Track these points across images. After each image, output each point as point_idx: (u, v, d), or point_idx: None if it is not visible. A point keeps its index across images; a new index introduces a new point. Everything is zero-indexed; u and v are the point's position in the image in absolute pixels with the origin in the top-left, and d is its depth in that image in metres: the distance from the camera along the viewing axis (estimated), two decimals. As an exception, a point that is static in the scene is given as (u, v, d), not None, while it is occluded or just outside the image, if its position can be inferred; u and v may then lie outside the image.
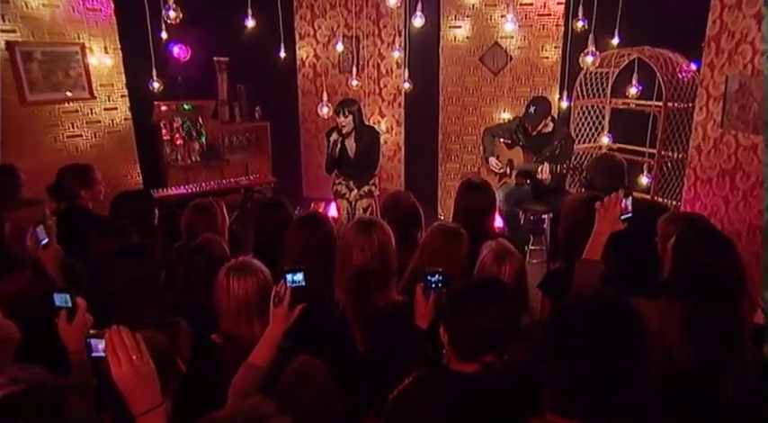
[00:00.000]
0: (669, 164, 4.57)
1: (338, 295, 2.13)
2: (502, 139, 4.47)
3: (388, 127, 6.00)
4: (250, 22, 4.45)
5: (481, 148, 4.71)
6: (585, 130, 5.19)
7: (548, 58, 5.36)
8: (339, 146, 4.46)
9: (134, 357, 1.22)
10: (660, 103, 4.43)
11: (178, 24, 4.19)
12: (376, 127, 5.96)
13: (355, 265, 2.06)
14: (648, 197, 4.52)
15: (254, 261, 1.99)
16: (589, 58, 3.95)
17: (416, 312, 1.93)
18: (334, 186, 4.70)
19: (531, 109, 4.18)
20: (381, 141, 6.00)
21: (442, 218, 5.98)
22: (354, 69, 4.98)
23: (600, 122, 5.19)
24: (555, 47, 5.29)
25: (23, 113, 4.31)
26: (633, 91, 4.65)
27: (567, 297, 1.76)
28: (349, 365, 2.08)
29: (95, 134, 4.81)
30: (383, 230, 2.13)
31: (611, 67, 4.97)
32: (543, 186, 4.04)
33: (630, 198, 2.10)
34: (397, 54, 4.93)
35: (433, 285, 1.92)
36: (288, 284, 1.74)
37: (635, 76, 4.58)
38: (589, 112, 5.19)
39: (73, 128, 4.66)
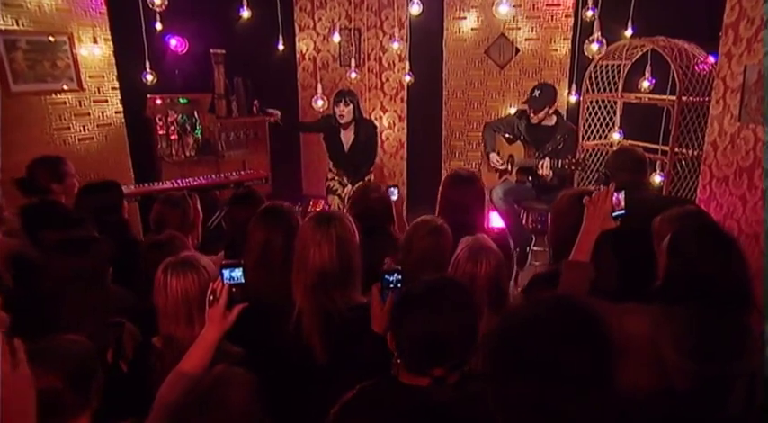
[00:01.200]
0: (683, 161, 4.29)
1: (296, 297, 1.92)
2: (506, 135, 4.23)
3: (390, 123, 5.78)
4: (245, 13, 4.28)
5: (482, 144, 4.48)
6: (595, 125, 4.92)
7: (557, 50, 5.10)
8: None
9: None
10: (674, 98, 4.16)
11: (165, 10, 4.06)
12: (376, 122, 5.78)
13: (312, 264, 1.86)
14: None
15: (200, 257, 1.80)
16: (594, 46, 3.72)
17: (372, 316, 1.72)
18: (326, 182, 4.52)
19: (536, 92, 3.95)
20: (383, 137, 5.83)
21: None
22: (353, 61, 4.79)
23: (611, 118, 4.92)
24: (564, 39, 5.04)
25: (7, 105, 4.18)
26: (646, 84, 4.39)
27: (515, 304, 1.53)
28: (306, 375, 1.88)
29: (84, 127, 4.67)
30: (343, 225, 1.92)
31: (622, 60, 4.69)
32: (546, 183, 3.79)
33: (623, 193, 1.87)
34: (396, 45, 4.72)
35: (392, 286, 1.71)
36: (225, 281, 1.55)
37: (648, 68, 4.34)
38: (599, 108, 4.92)
39: (60, 120, 4.52)
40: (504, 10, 2.73)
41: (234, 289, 1.56)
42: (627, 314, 1.67)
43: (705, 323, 1.52)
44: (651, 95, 4.42)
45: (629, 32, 4.27)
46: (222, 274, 1.57)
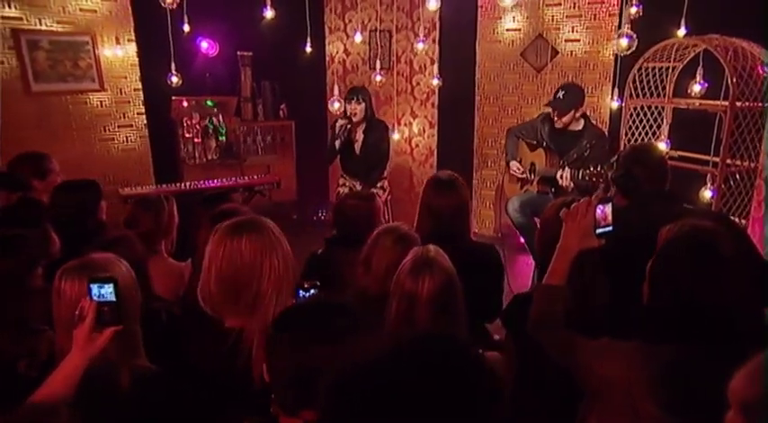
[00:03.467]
0: (738, 175, 3.78)
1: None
2: (530, 140, 3.87)
3: (420, 129, 5.51)
4: (269, 13, 4.14)
5: (504, 151, 4.13)
6: (639, 134, 4.46)
7: (599, 52, 4.68)
8: (347, 129, 4.05)
9: None
10: (726, 103, 3.68)
11: (193, 12, 4.00)
12: (405, 128, 5.54)
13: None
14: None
15: (105, 259, 1.58)
16: (624, 41, 3.34)
17: None
18: (337, 188, 4.29)
19: (560, 93, 3.58)
20: (412, 144, 5.57)
21: (476, 231, 5.41)
22: (378, 64, 4.57)
23: (659, 126, 4.44)
24: (608, 39, 4.61)
25: (27, 104, 4.21)
26: (697, 88, 3.92)
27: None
28: (241, 400, 1.65)
29: (105, 128, 4.67)
30: (262, 234, 1.66)
31: (671, 62, 4.23)
32: (569, 195, 3.40)
33: (610, 205, 1.54)
34: (420, 46, 4.45)
35: None
36: (92, 299, 1.33)
37: (700, 70, 3.88)
38: (645, 114, 4.46)
39: (82, 120, 4.53)
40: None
41: (105, 308, 1.34)
42: (599, 353, 1.34)
43: (691, 367, 1.17)
44: (702, 100, 3.95)
45: (681, 32, 3.86)
46: (90, 290, 1.35)
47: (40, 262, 1.88)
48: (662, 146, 4.30)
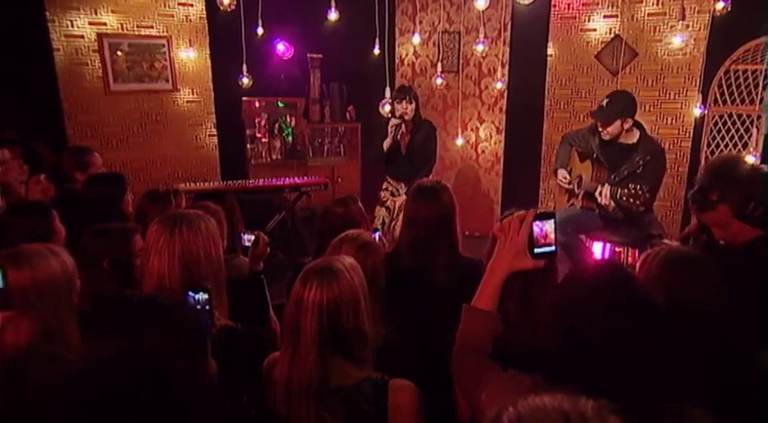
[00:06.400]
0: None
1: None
2: (583, 150, 3.54)
3: (487, 134, 5.28)
4: (333, 15, 4.16)
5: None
6: (726, 145, 3.95)
7: (685, 54, 4.19)
8: (399, 129, 3.96)
9: None
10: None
11: (266, 15, 4.12)
12: (472, 133, 5.33)
13: (149, 275, 1.59)
14: None
15: (34, 249, 1.61)
16: (677, 40, 2.98)
17: None
18: (380, 192, 4.21)
19: (604, 102, 3.22)
20: (478, 150, 5.36)
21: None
22: (440, 66, 4.44)
23: (749, 137, 3.90)
24: (695, 39, 4.12)
25: (107, 103, 4.55)
26: (793, 94, 3.42)
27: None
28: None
29: (177, 126, 4.93)
30: (194, 229, 1.61)
31: (764, 64, 3.69)
32: (609, 214, 3.06)
33: (551, 222, 1.33)
34: (480, 48, 4.24)
35: (198, 307, 1.39)
36: None
37: (798, 74, 3.37)
38: (734, 123, 3.94)
39: (156, 119, 4.82)
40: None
41: None
42: (488, 387, 1.16)
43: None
44: (798, 109, 3.41)
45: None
46: None
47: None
48: (749, 160, 3.77)
